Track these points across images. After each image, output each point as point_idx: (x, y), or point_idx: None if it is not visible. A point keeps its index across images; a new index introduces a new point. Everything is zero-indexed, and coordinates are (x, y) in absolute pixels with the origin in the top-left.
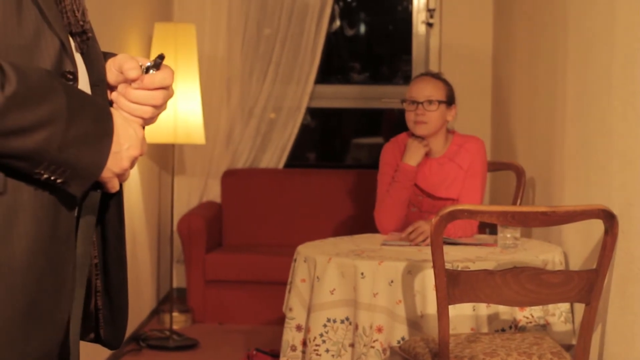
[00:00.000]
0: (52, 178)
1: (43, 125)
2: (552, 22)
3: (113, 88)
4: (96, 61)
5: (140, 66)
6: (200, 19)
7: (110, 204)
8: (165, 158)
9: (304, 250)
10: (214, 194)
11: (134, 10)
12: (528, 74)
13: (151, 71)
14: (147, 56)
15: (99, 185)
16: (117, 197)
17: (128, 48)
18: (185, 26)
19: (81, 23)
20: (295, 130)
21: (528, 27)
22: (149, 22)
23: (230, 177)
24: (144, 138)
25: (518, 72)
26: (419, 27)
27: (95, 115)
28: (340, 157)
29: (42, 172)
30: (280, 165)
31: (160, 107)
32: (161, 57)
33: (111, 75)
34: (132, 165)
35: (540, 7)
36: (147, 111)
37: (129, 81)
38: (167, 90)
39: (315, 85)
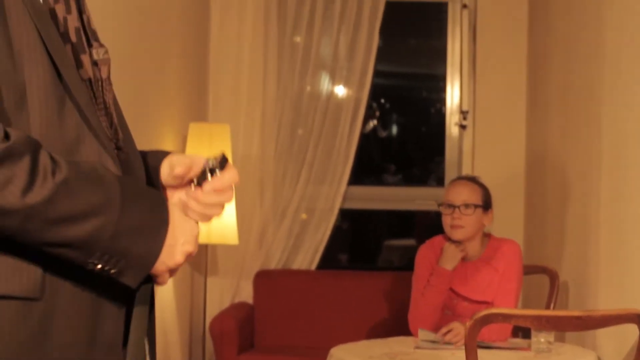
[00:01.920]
0: (106, 268)
1: (95, 212)
2: (586, 125)
3: (166, 187)
4: (136, 170)
5: (204, 167)
6: (235, 119)
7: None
8: (198, 258)
9: (337, 352)
10: (246, 294)
11: (169, 110)
12: (561, 177)
13: (217, 171)
14: None
15: (150, 279)
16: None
17: (163, 147)
18: (220, 126)
19: (114, 141)
20: (328, 232)
21: (561, 130)
22: (184, 122)
23: (263, 278)
24: (198, 235)
25: (550, 175)
26: (452, 129)
27: (150, 205)
28: (373, 259)
29: (96, 261)
30: (313, 267)
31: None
32: (225, 158)
33: (165, 175)
34: (184, 262)
35: (573, 110)
36: (219, 211)
37: (188, 180)
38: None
39: (348, 187)
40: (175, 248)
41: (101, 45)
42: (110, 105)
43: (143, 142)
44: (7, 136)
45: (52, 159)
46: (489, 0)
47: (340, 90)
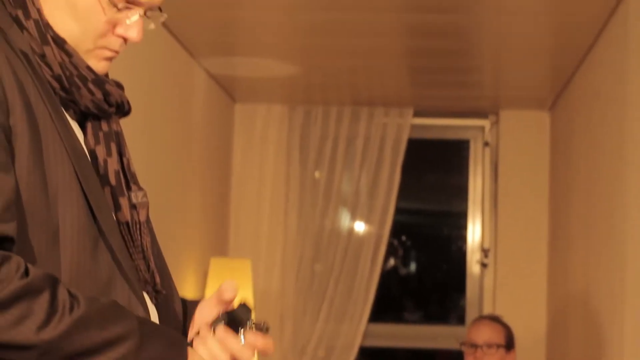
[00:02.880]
0: None
1: (112, 346)
2: (608, 262)
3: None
4: (170, 314)
5: (247, 324)
6: (256, 254)
7: None
8: None
9: None
10: None
11: (190, 244)
12: (584, 314)
13: (252, 327)
14: (202, 291)
15: None
16: None
17: (184, 282)
18: (241, 261)
19: (152, 284)
20: None
21: (584, 267)
22: (205, 257)
23: None
24: None
25: (573, 313)
26: (473, 267)
27: (168, 341)
28: None
29: None
30: None
31: None
32: (267, 327)
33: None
34: None
35: (596, 247)
36: None
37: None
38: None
39: (369, 324)
40: None
41: (140, 189)
42: (147, 248)
43: None
44: (27, 272)
45: (71, 294)
46: (510, 138)
47: (362, 227)
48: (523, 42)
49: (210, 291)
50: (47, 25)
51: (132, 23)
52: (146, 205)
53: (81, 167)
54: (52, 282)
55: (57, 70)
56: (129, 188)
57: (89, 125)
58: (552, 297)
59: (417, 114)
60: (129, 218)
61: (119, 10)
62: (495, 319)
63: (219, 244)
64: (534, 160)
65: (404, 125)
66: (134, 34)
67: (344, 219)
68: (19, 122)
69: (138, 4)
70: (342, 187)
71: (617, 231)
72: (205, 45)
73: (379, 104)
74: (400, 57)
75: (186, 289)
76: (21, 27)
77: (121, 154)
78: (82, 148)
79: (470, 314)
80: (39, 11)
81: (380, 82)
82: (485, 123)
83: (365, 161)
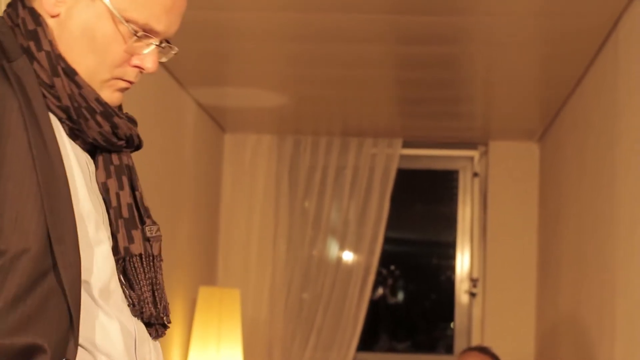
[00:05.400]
0: None
1: None
2: (599, 293)
3: None
4: None
5: None
6: (244, 283)
7: None
8: None
9: None
10: None
11: (179, 273)
12: (574, 346)
13: None
14: (191, 320)
15: None
16: None
17: (172, 310)
18: (229, 290)
19: (162, 315)
20: None
21: (573, 298)
22: (194, 285)
23: None
24: None
25: (563, 344)
26: (461, 296)
27: None
28: None
29: None
30: None
31: None
32: None
33: None
34: None
35: (585, 278)
36: None
37: None
38: None
39: (357, 353)
40: None
41: (154, 223)
42: (160, 281)
43: None
44: None
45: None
46: (499, 169)
47: (350, 257)
48: (512, 74)
49: (198, 320)
50: (59, 57)
51: (148, 53)
52: (160, 240)
53: (51, 197)
54: None
55: (66, 101)
56: (142, 222)
57: (99, 159)
58: (540, 327)
59: (406, 144)
60: (142, 250)
61: (138, 39)
62: (483, 350)
63: (207, 273)
64: (523, 190)
65: (393, 155)
66: (149, 63)
67: (333, 249)
68: None
69: (155, 34)
70: (331, 217)
71: (606, 262)
72: (194, 75)
73: (368, 134)
74: (390, 88)
75: (174, 317)
76: (32, 58)
77: (133, 188)
78: (64, 179)
79: (459, 343)
80: (51, 43)
81: (369, 113)
82: (475, 154)
83: (354, 191)
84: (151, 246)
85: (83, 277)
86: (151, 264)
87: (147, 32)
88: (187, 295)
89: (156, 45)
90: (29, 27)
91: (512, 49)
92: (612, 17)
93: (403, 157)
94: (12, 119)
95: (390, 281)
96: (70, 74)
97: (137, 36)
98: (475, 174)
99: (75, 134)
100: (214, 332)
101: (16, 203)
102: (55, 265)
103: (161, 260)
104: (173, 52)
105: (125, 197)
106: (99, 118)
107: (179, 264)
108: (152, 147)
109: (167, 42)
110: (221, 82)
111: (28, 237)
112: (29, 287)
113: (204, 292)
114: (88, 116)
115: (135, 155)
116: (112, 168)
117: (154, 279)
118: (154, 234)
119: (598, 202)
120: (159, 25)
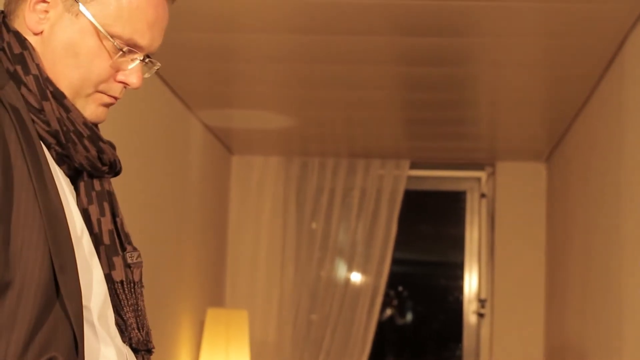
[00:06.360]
0: None
1: None
2: (606, 313)
3: None
4: None
5: None
6: (252, 305)
7: None
8: None
9: None
10: None
11: (187, 295)
12: None
13: None
14: (199, 341)
15: None
16: None
17: (180, 332)
18: (237, 312)
19: (145, 342)
20: None
21: (581, 319)
22: (202, 307)
23: None
24: None
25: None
26: (469, 317)
27: None
28: None
29: None
30: None
31: None
32: None
33: None
34: None
35: (593, 298)
36: None
37: None
38: None
39: None
40: None
41: (135, 249)
42: (141, 307)
43: (160, 327)
44: None
45: None
46: (507, 189)
47: (358, 278)
48: (519, 95)
49: (206, 342)
50: (47, 80)
51: (132, 69)
52: (140, 266)
53: (52, 227)
54: None
55: (55, 125)
56: (123, 248)
57: (81, 185)
58: (548, 348)
59: (413, 165)
60: (123, 277)
61: (123, 54)
62: None
63: (215, 295)
64: (530, 211)
65: (401, 176)
66: (134, 79)
67: (341, 270)
68: None
69: (140, 49)
70: (339, 238)
71: (614, 282)
72: (201, 97)
73: (375, 155)
74: (397, 110)
75: (182, 339)
76: (19, 82)
77: (114, 214)
78: (60, 207)
79: None
80: (39, 66)
81: (376, 134)
82: (482, 175)
83: (361, 212)
84: (132, 272)
85: (83, 302)
86: (132, 290)
87: (131, 47)
88: (195, 316)
89: (140, 60)
90: (14, 50)
91: (519, 70)
92: (618, 38)
93: (410, 178)
94: (11, 149)
95: (398, 302)
96: (59, 97)
97: (123, 51)
98: (482, 195)
99: (62, 160)
100: (222, 353)
101: (22, 233)
102: (59, 294)
103: (142, 286)
104: (156, 68)
105: (107, 224)
106: (86, 142)
107: (186, 285)
108: (159, 169)
109: (149, 57)
110: (228, 104)
111: (35, 267)
112: (40, 317)
113: (211, 314)
114: (76, 140)
115: (142, 178)
116: (93, 194)
117: (136, 306)
118: (134, 260)
119: (605, 223)
120: (143, 40)
